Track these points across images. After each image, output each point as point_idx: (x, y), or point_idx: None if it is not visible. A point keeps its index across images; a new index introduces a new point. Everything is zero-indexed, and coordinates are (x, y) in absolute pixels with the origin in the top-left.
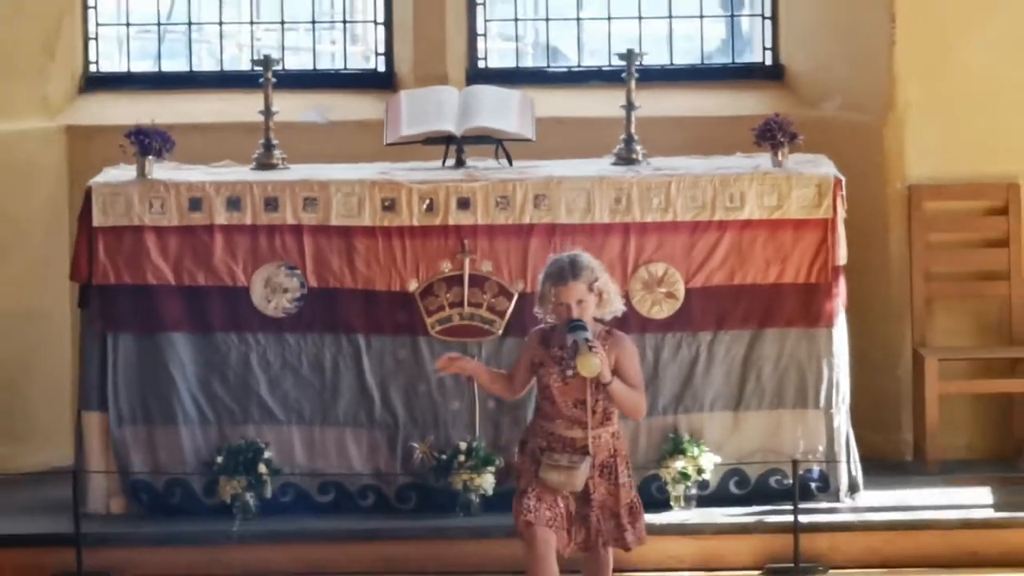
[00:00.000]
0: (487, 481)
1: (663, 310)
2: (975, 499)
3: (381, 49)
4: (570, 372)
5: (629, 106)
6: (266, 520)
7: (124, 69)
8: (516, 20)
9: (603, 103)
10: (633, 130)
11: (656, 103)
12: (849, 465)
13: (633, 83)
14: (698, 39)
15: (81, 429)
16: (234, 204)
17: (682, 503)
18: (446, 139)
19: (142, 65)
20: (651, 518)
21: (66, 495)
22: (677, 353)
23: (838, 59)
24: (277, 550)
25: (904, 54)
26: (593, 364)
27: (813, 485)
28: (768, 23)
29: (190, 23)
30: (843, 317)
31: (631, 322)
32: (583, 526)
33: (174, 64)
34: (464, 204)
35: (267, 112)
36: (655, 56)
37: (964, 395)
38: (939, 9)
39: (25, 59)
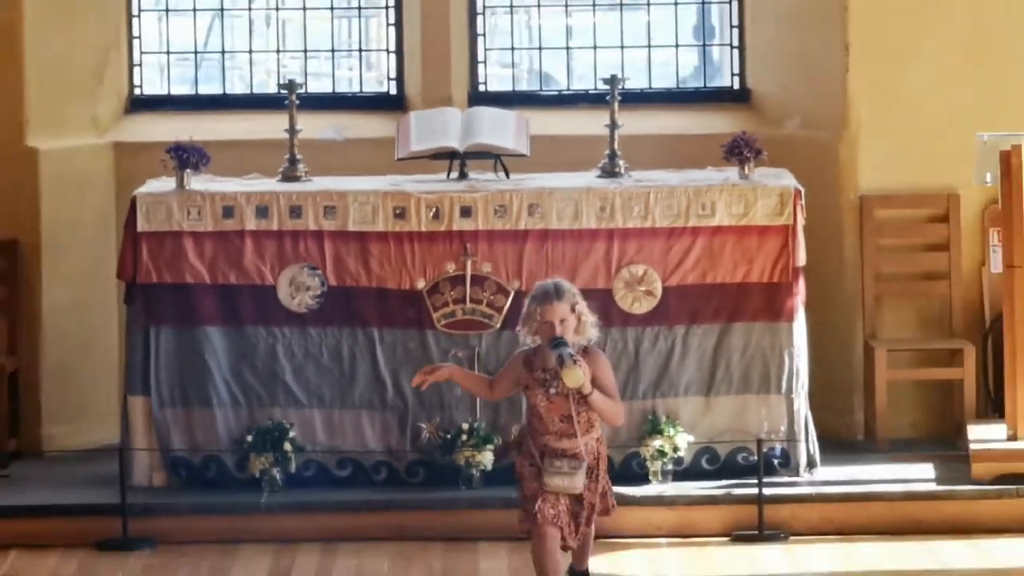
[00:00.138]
0: (487, 458)
1: (643, 306)
2: (919, 474)
3: (393, 74)
4: (553, 390)
5: (613, 125)
6: (291, 492)
7: (165, 92)
8: (513, 49)
9: (590, 122)
10: (616, 146)
11: (637, 123)
12: (807, 444)
13: (616, 105)
14: (674, 66)
15: (127, 411)
16: (262, 212)
17: (660, 477)
18: (450, 154)
19: (181, 89)
20: (632, 490)
21: (113, 470)
22: (655, 344)
23: (798, 84)
24: (300, 519)
25: (857, 79)
26: (577, 375)
27: (776, 461)
28: (736, 52)
29: (223, 51)
30: (802, 312)
31: (614, 316)
32: (575, 520)
33: (209, 88)
34: (466, 212)
35: (291, 130)
36: (636, 81)
37: (909, 381)
38: (888, 40)
39: (78, 84)
